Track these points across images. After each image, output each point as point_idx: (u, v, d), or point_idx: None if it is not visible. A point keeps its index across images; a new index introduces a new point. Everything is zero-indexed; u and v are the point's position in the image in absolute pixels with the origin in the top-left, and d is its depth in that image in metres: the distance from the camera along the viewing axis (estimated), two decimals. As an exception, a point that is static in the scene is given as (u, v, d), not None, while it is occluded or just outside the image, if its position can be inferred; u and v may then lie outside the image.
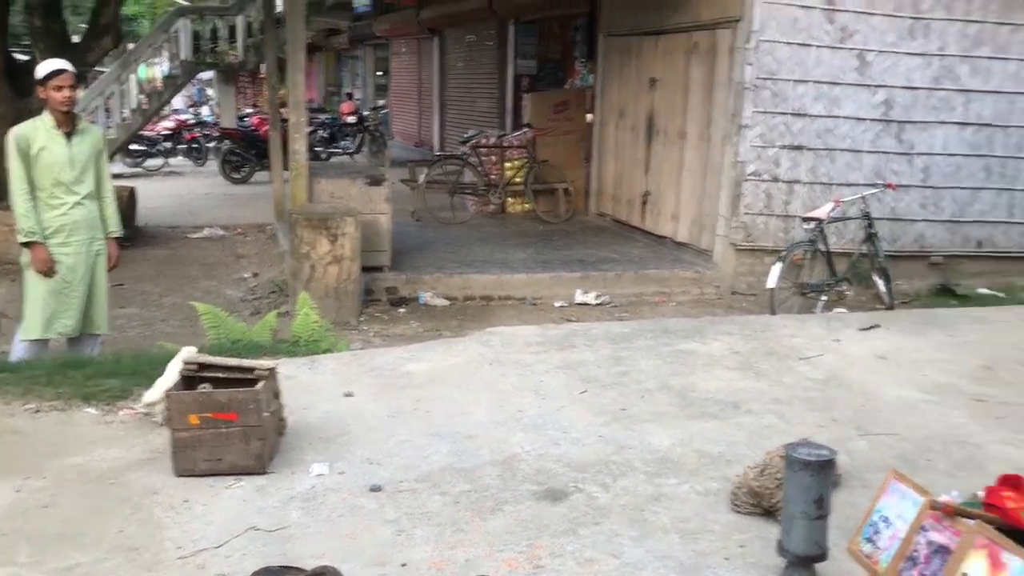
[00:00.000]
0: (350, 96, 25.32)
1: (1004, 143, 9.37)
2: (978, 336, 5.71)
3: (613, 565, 2.96)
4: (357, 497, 3.43)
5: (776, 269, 7.40)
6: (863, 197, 8.05)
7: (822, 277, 7.83)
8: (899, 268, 8.78)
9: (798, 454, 2.75)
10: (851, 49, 8.76)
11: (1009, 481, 2.77)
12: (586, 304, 8.51)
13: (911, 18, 8.84)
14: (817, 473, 2.72)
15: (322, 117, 20.96)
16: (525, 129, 12.67)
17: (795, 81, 8.69)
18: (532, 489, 3.49)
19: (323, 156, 18.45)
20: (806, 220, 7.77)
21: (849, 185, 8.78)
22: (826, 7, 8.62)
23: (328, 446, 3.88)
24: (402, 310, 8.23)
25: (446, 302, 8.45)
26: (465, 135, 13.10)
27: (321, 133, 19.28)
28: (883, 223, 8.69)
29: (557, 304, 8.50)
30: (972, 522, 2.54)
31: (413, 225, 11.35)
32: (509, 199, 12.59)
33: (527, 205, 12.35)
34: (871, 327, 5.84)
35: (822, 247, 7.78)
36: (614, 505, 3.36)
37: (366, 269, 8.26)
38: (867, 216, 8.03)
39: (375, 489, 3.48)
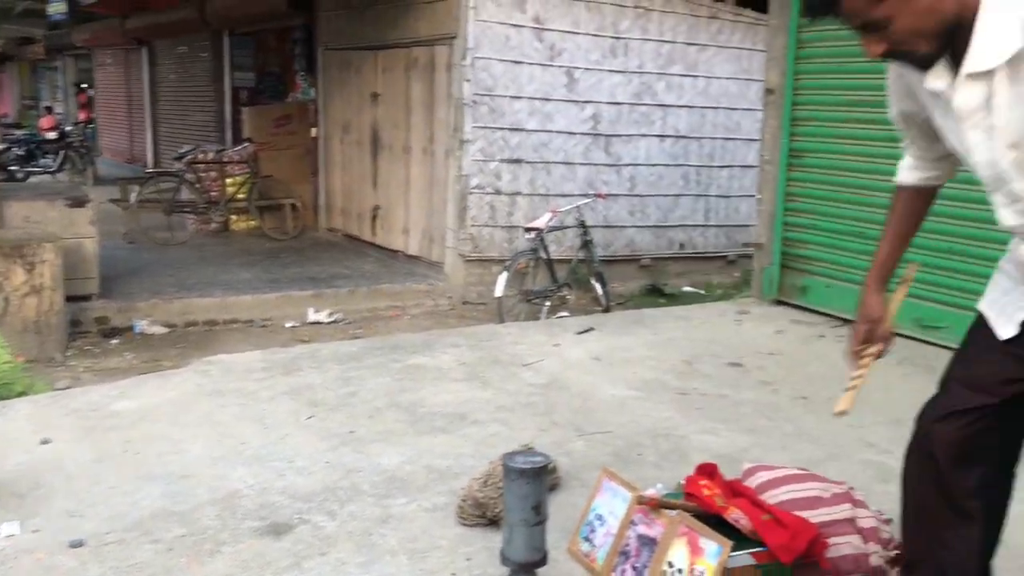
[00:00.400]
0: (50, 110, 23.17)
1: (698, 153, 10.30)
2: (680, 333, 6.19)
3: (340, 596, 2.88)
4: (55, 555, 3.10)
5: (502, 278, 7.65)
6: (577, 207, 8.51)
7: (545, 284, 8.18)
8: (614, 271, 9.38)
9: (514, 463, 2.80)
10: (560, 67, 9.24)
11: (705, 470, 2.97)
12: (319, 323, 8.34)
13: (612, 37, 9.47)
14: (533, 480, 2.79)
15: (18, 133, 18.99)
16: (246, 144, 12.22)
17: (511, 97, 9.03)
18: (254, 525, 3.33)
19: (19, 176, 16.72)
20: (527, 230, 8.12)
21: (565, 196, 9.24)
22: (535, 26, 9.03)
23: (21, 502, 3.49)
24: (115, 341, 7.64)
25: (165, 329, 7.94)
26: (180, 151, 12.42)
27: (16, 151, 17.47)
28: (597, 230, 9.23)
29: (288, 324, 8.25)
30: (674, 512, 2.71)
31: (126, 248, 10.58)
32: (233, 217, 12.09)
33: (252, 222, 11.91)
34: (586, 330, 6.16)
35: (543, 255, 8.14)
36: (341, 532, 3.28)
37: (72, 299, 7.59)
38: (582, 224, 8.49)
39: (76, 544, 3.16)
